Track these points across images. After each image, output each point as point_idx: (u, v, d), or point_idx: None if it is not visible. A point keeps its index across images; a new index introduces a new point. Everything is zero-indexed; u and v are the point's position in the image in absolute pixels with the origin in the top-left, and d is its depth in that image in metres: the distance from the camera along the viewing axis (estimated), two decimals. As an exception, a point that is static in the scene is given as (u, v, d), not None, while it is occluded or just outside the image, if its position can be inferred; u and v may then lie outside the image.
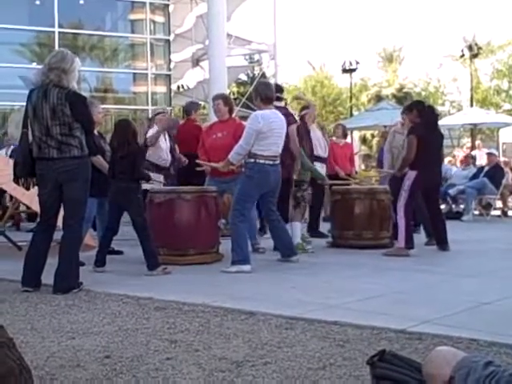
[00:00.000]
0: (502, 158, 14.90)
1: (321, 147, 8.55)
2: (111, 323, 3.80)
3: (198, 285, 5.14)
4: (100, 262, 5.73)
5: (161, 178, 6.98)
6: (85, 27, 16.95)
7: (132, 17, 18.21)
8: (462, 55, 25.14)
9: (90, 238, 6.65)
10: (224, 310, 4.08)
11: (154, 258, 5.57)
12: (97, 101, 7.12)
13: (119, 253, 6.73)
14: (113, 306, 4.30)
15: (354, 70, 26.79)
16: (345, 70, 26.95)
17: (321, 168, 8.19)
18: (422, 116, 7.01)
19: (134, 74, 18.08)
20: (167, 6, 18.21)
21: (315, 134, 8.26)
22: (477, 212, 11.75)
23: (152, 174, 6.23)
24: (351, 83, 27.62)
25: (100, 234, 6.51)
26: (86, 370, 2.89)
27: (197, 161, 6.82)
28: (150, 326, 3.73)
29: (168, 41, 18.28)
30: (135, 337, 3.48)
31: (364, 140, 30.01)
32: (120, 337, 3.48)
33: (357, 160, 14.03)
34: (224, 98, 7.24)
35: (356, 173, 10.58)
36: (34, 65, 15.50)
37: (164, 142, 7.46)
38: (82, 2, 17.07)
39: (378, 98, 30.09)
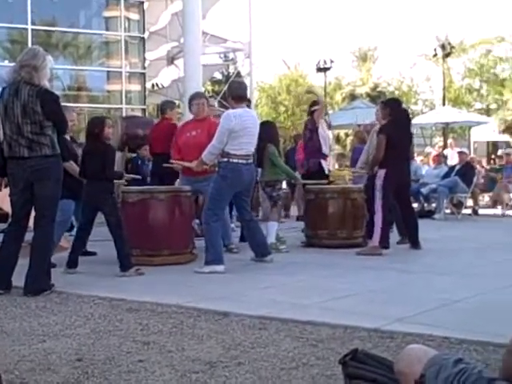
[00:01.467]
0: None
1: (325, 144, 8.56)
2: (83, 325, 3.77)
3: (171, 286, 5.12)
4: (72, 263, 5.67)
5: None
6: (58, 24, 16.78)
7: (106, 14, 18.06)
8: (435, 54, 25.42)
9: (64, 240, 6.58)
10: (197, 311, 4.07)
11: (127, 258, 5.53)
12: (71, 108, 7.04)
13: (92, 254, 6.67)
14: (85, 307, 4.27)
15: (328, 68, 26.92)
16: (319, 69, 27.07)
17: (325, 165, 8.19)
18: (393, 114, 7.08)
19: (108, 72, 17.94)
20: (142, 3, 18.10)
21: (323, 130, 8.27)
22: (448, 210, 11.88)
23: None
24: (325, 82, 27.73)
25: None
26: (57, 374, 2.87)
27: (170, 161, 6.79)
28: (122, 327, 3.71)
29: (143, 38, 18.17)
30: (107, 339, 3.45)
31: (338, 139, 30.16)
32: (92, 339, 3.45)
33: (331, 159, 14.08)
34: (207, 98, 7.34)
35: (329, 171, 10.61)
36: (6, 62, 15.30)
37: None
38: (55, -2, 16.90)
39: (352, 96, 30.28)
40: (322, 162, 7.97)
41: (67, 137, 6.33)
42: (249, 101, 7.30)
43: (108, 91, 18.14)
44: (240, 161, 5.86)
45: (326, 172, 8.06)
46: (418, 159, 14.29)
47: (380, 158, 6.90)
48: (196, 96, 7.26)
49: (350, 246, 7.07)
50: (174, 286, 5.12)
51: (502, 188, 12.36)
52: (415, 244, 7.12)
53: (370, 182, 7.28)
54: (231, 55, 25.39)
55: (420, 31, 54.41)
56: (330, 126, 9.26)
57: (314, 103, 8.31)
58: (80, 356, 3.13)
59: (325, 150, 8.44)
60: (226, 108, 6.77)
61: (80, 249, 5.85)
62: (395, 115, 7.08)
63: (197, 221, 6.29)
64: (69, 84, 17.29)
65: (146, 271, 5.57)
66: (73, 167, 6.05)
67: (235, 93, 6.05)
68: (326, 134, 8.42)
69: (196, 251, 6.43)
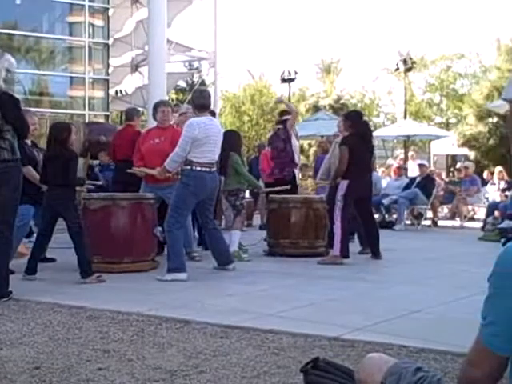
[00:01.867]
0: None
1: (297, 154, 8.63)
2: (41, 333, 3.70)
3: (132, 293, 5.07)
4: (31, 269, 5.57)
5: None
6: (21, 28, 16.53)
7: (70, 19, 17.88)
8: (397, 69, 25.82)
9: (22, 246, 6.46)
10: (159, 319, 4.04)
11: (88, 265, 5.46)
12: (32, 112, 6.93)
13: (51, 260, 6.57)
14: (43, 315, 4.19)
15: (292, 79, 27.12)
16: (283, 80, 27.25)
17: (297, 174, 8.34)
18: (354, 127, 7.18)
19: (71, 77, 17.74)
20: (107, 9, 17.98)
21: (294, 140, 8.34)
22: (408, 221, 12.06)
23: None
24: (290, 93, 27.94)
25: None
26: (13, 382, 2.81)
27: (133, 168, 6.74)
28: (82, 335, 3.66)
29: (107, 45, 18.04)
30: (66, 347, 3.40)
31: (301, 149, 30.35)
32: (50, 347, 3.39)
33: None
34: (172, 106, 7.33)
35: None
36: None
37: None
38: (18, 2, 16.65)
39: (316, 108, 30.52)
40: (296, 172, 8.11)
41: (28, 141, 6.24)
42: (213, 113, 7.31)
43: (71, 97, 17.93)
44: (203, 169, 5.86)
45: (298, 182, 8.18)
46: (379, 171, 14.47)
47: (343, 170, 6.98)
48: (161, 104, 7.23)
49: (311, 256, 7.11)
50: (135, 293, 5.07)
51: (461, 200, 12.60)
52: (376, 254, 7.20)
53: (332, 193, 7.35)
54: (196, 64, 25.39)
55: (383, 46, 55.42)
56: (297, 137, 9.33)
57: (285, 112, 8.39)
58: (38, 364, 3.07)
59: (297, 159, 8.52)
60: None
61: (39, 255, 5.76)
62: (357, 128, 7.18)
63: (159, 228, 6.24)
64: (30, 89, 17.04)
65: (107, 279, 5.50)
66: (31, 173, 5.95)
67: (198, 101, 6.06)
68: (296, 144, 8.51)
69: (158, 258, 6.39)
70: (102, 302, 4.58)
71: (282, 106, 9.42)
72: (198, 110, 6.02)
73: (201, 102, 6.06)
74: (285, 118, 8.28)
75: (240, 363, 3.13)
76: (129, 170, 6.72)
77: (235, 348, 3.41)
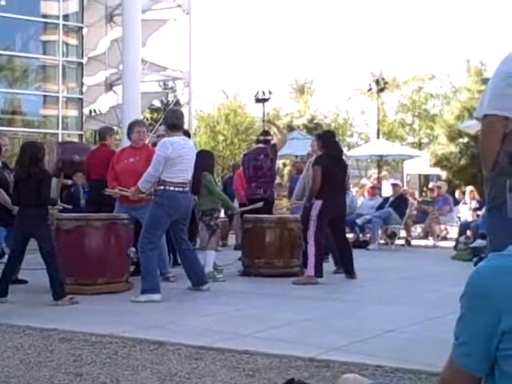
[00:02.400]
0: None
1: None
2: (12, 356, 3.64)
3: (105, 315, 5.01)
4: (2, 291, 5.47)
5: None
6: (-7, 46, 16.39)
7: (44, 38, 17.79)
8: (370, 89, 26.17)
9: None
10: (132, 341, 4.00)
11: (60, 287, 5.38)
12: (3, 133, 6.87)
13: (23, 282, 6.45)
14: (14, 338, 4.12)
15: (266, 99, 27.29)
16: (258, 100, 27.41)
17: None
18: (326, 147, 7.24)
19: (45, 96, 17.61)
20: (81, 28, 17.93)
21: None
22: (382, 241, 12.14)
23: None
24: (264, 112, 28.09)
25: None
26: (-17, 407, 2.75)
27: (105, 190, 6.67)
28: (54, 358, 3.60)
29: (81, 64, 17.97)
30: (38, 371, 3.34)
31: (276, 169, 30.46)
32: (21, 371, 3.33)
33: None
34: (147, 126, 7.35)
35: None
36: None
37: None
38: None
39: (290, 128, 30.70)
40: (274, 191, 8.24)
41: (-1, 162, 6.17)
42: (188, 133, 7.30)
43: (44, 116, 17.78)
44: (176, 188, 5.84)
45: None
46: (353, 190, 14.55)
47: (317, 189, 7.01)
48: (136, 124, 7.21)
49: (286, 275, 7.10)
50: (108, 315, 5.01)
51: (434, 220, 12.73)
52: (350, 274, 7.23)
53: (307, 213, 7.37)
54: (171, 83, 25.40)
55: (355, 66, 56.01)
56: None
57: (267, 133, 8.51)
58: (8, 389, 3.01)
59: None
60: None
61: (10, 277, 5.66)
62: (329, 147, 7.24)
63: (133, 249, 6.18)
64: (3, 108, 16.88)
65: (80, 300, 5.43)
66: (2, 196, 5.88)
67: (170, 121, 6.09)
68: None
69: (132, 280, 6.32)
70: (75, 324, 4.52)
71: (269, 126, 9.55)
72: (171, 129, 6.04)
73: (173, 121, 6.07)
74: (268, 138, 8.34)
75: (215, 385, 3.11)
76: (107, 191, 6.65)
77: (210, 370, 3.38)
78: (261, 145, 8.29)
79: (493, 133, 2.71)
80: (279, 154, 17.69)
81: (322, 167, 7.03)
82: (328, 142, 7.35)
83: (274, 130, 9.13)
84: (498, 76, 2.76)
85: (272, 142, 8.37)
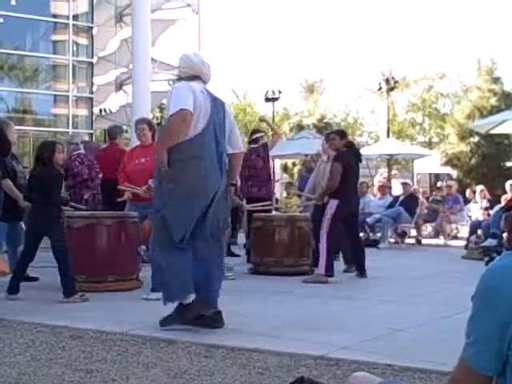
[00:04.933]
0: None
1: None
2: (23, 353, 3.65)
3: (116, 312, 5.02)
4: (13, 289, 5.50)
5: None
6: (4, 46, 16.49)
7: (54, 37, 17.89)
8: (380, 88, 26.09)
9: (2, 263, 6.38)
10: (143, 338, 4.01)
11: (71, 284, 5.41)
12: (8, 120, 6.90)
13: (34, 279, 6.49)
14: (26, 335, 4.14)
15: (276, 99, 27.27)
16: (267, 99, 27.39)
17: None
18: (348, 146, 7.21)
19: (55, 95, 17.70)
20: (91, 28, 18.02)
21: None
22: (393, 240, 12.10)
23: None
24: (274, 112, 28.07)
25: (10, 258, 6.29)
26: (-5, 403, 2.77)
27: (118, 187, 6.70)
28: (64, 355, 3.61)
29: (91, 63, 18.05)
30: (49, 367, 3.35)
31: (285, 168, 30.45)
32: (33, 367, 3.34)
33: (278, 187, 14.21)
34: (148, 123, 7.18)
35: (277, 200, 10.71)
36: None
37: None
38: (1, 20, 16.62)
39: (300, 127, 30.66)
40: (273, 189, 8.20)
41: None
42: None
43: (54, 115, 17.88)
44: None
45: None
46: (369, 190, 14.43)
47: (335, 186, 6.92)
48: (136, 123, 7.17)
49: (296, 274, 7.10)
50: (119, 312, 5.01)
51: (444, 218, 12.69)
52: (361, 272, 7.21)
53: (317, 212, 7.35)
54: (180, 83, 25.33)
55: (365, 65, 55.82)
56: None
57: (256, 131, 8.50)
58: (20, 385, 3.03)
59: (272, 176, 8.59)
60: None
61: (22, 274, 5.69)
62: (351, 145, 7.26)
63: (143, 247, 6.20)
64: (13, 106, 16.98)
65: (91, 298, 5.45)
66: (9, 186, 5.92)
67: None
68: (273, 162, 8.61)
69: (142, 278, 6.34)
70: (86, 321, 4.53)
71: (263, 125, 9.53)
72: None
73: None
74: (257, 135, 8.32)
75: (225, 383, 3.11)
76: (118, 187, 6.66)
77: (220, 367, 3.38)
78: (252, 145, 8.32)
79: None
80: (287, 152, 17.72)
81: (342, 164, 6.96)
82: (350, 140, 7.35)
83: (265, 126, 9.16)
84: None
85: (263, 140, 8.38)
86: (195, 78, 4.44)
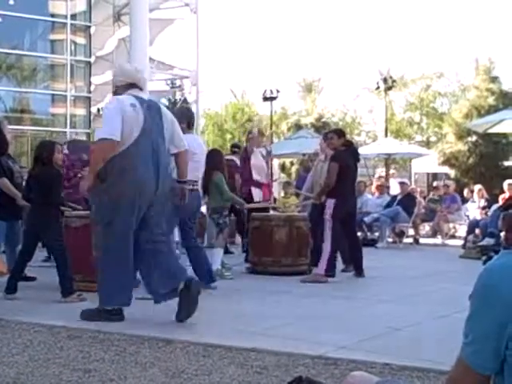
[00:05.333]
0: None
1: (259, 172, 8.61)
2: (21, 353, 3.65)
3: (114, 312, 5.01)
4: (11, 288, 5.49)
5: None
6: (2, 45, 16.47)
7: (52, 37, 17.89)
8: (378, 87, 26.09)
9: (0, 264, 6.38)
10: (141, 338, 4.01)
11: (69, 284, 5.40)
12: (3, 119, 6.90)
13: (32, 279, 6.48)
14: (24, 334, 4.14)
15: (274, 98, 27.26)
16: (265, 98, 27.38)
17: (258, 193, 8.40)
18: (346, 145, 7.20)
19: (53, 95, 17.69)
20: (89, 27, 18.01)
21: (256, 159, 8.43)
22: (390, 239, 12.11)
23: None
24: (272, 111, 28.06)
25: (8, 258, 6.28)
26: (-8, 403, 2.76)
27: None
28: (62, 355, 3.61)
29: (89, 63, 18.05)
30: (47, 367, 3.35)
31: (283, 167, 30.46)
32: (30, 367, 3.34)
33: (276, 187, 14.20)
34: None
35: (275, 200, 10.69)
36: None
37: None
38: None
39: (298, 126, 30.64)
40: (253, 189, 8.15)
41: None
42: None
43: (52, 114, 17.87)
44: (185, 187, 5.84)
45: (257, 199, 8.25)
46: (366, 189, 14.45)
47: (332, 185, 6.92)
48: None
49: (294, 274, 7.10)
50: (116, 312, 5.00)
51: (442, 218, 12.70)
52: (359, 272, 7.21)
53: (315, 211, 7.35)
54: (178, 82, 25.41)
55: (363, 65, 55.88)
56: (269, 153, 9.35)
57: (233, 146, 8.86)
58: (17, 385, 3.02)
59: (257, 177, 8.54)
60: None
61: (19, 273, 5.68)
62: (350, 144, 7.26)
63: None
64: (11, 106, 16.96)
65: (89, 297, 5.44)
66: (7, 185, 5.92)
67: (189, 119, 6.09)
68: (259, 163, 8.55)
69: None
70: (83, 321, 4.53)
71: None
72: (189, 127, 6.05)
73: (191, 120, 6.11)
74: (235, 149, 9.09)
75: (222, 382, 3.11)
76: None
77: (218, 367, 3.38)
78: (229, 157, 8.52)
79: None
80: (285, 152, 17.70)
81: (339, 164, 6.97)
82: (348, 140, 7.35)
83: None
84: None
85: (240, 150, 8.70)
86: (132, 85, 4.56)
